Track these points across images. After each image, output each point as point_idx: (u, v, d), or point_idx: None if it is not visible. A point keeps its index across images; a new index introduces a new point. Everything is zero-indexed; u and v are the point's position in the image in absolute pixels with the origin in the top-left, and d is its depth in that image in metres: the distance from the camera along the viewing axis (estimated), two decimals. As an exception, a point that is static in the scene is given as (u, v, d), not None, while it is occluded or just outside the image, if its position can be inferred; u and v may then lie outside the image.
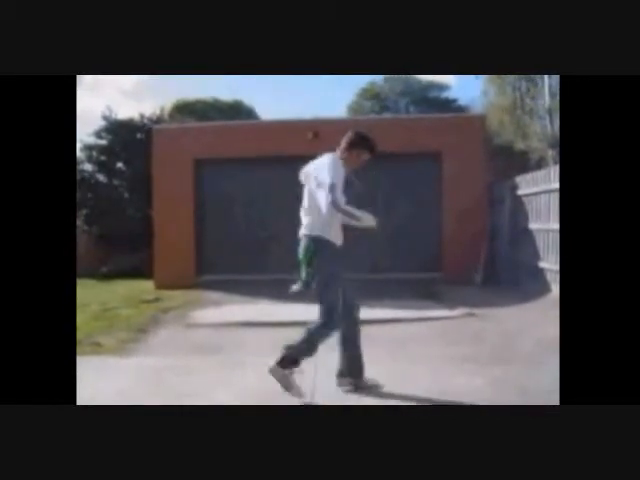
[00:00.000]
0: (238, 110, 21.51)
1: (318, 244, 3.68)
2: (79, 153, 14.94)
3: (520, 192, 8.88)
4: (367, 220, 3.66)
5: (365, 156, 3.85)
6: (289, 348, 3.67)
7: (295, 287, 3.84)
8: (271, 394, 3.64)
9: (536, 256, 8.20)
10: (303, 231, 3.78)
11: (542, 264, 8.00)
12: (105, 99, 43.53)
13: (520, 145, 17.26)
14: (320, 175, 3.63)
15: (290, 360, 3.65)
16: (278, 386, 3.63)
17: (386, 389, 3.83)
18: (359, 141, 3.81)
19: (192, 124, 13.83)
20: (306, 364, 3.71)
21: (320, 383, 3.92)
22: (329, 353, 3.82)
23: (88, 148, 15.19)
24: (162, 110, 17.13)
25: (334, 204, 3.51)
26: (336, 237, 3.75)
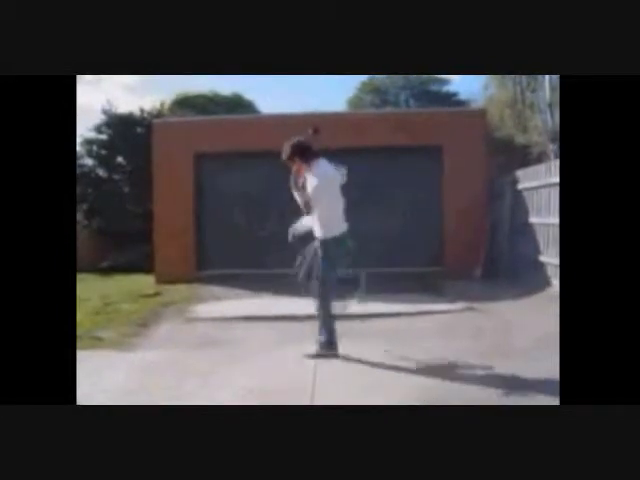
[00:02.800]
0: (238, 104, 21.43)
1: None
2: (79, 147, 14.94)
3: (520, 186, 8.87)
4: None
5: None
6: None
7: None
8: (270, 393, 3.65)
9: (536, 250, 8.21)
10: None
11: (542, 258, 8.01)
12: (105, 93, 43.43)
13: (520, 139, 17.20)
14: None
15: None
16: (277, 385, 3.64)
17: (385, 384, 3.84)
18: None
19: (192, 118, 13.79)
20: (306, 364, 3.72)
21: (320, 383, 3.94)
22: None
23: (88, 142, 15.20)
24: (162, 104, 17.11)
25: None
26: None
